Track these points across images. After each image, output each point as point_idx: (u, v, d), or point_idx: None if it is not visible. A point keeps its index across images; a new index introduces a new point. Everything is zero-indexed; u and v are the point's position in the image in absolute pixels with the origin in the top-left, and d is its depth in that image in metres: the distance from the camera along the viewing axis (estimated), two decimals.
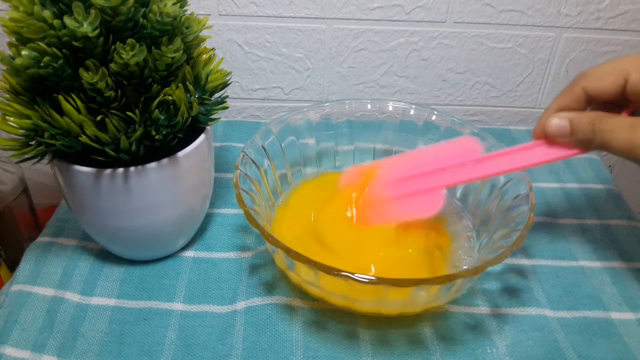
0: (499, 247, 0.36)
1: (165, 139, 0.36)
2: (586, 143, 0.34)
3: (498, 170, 0.38)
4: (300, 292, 0.40)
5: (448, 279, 0.32)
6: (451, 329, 0.38)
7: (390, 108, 0.49)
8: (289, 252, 0.33)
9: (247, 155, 0.42)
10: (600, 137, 0.33)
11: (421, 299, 0.35)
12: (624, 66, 0.34)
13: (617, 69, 0.34)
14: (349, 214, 0.41)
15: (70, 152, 0.34)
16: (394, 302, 0.35)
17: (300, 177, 0.48)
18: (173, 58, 0.34)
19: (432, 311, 0.38)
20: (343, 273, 0.31)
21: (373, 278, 0.31)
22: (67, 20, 0.30)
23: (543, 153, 0.36)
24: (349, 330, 0.37)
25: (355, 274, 0.31)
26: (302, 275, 0.36)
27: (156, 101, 0.34)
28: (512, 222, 0.38)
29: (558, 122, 0.35)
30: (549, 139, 0.36)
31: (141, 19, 0.33)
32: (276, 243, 0.34)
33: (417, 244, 0.40)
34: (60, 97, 0.32)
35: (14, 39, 0.31)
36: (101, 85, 0.32)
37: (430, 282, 0.31)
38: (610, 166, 0.68)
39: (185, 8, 0.35)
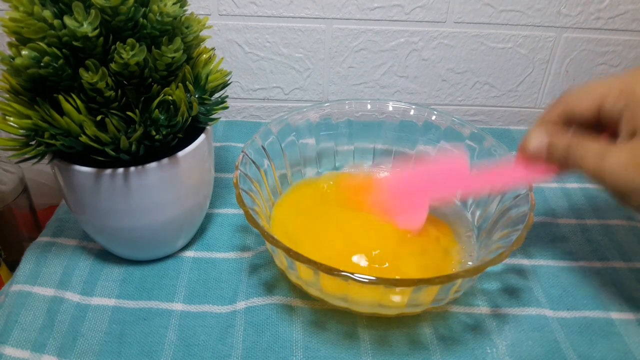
0: (498, 247, 0.36)
1: (165, 139, 0.36)
2: (563, 164, 0.34)
3: (479, 189, 0.40)
4: (301, 292, 0.40)
5: (448, 279, 0.32)
6: (451, 329, 0.38)
7: (390, 108, 0.49)
8: (288, 252, 0.33)
9: (247, 156, 0.42)
10: (572, 162, 0.33)
11: (421, 299, 0.35)
12: (602, 90, 0.33)
13: (595, 92, 0.34)
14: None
15: (70, 152, 0.34)
16: (394, 302, 0.35)
17: (300, 177, 0.48)
18: (173, 58, 0.34)
19: (432, 311, 0.38)
20: (343, 273, 0.31)
21: (373, 278, 0.31)
22: (67, 20, 0.30)
23: (523, 174, 0.37)
24: (349, 330, 0.37)
25: (355, 274, 0.31)
26: (302, 275, 0.36)
27: (156, 101, 0.34)
28: (511, 222, 0.38)
29: (537, 141, 0.35)
30: (528, 157, 0.36)
31: (141, 19, 0.33)
32: (276, 243, 0.34)
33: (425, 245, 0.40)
34: (61, 97, 0.32)
35: (14, 39, 0.31)
36: (101, 85, 0.32)
37: (430, 282, 0.31)
38: None
39: (185, 8, 0.35)
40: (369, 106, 0.49)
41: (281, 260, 0.37)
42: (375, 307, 0.35)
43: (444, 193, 0.41)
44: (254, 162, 0.42)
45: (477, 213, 0.44)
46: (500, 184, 0.39)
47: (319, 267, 0.32)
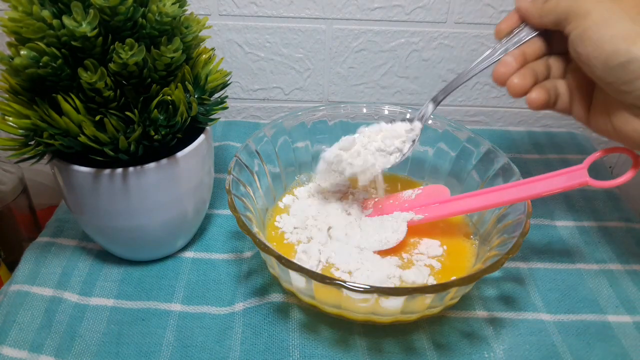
0: (494, 254, 0.35)
1: (164, 139, 0.36)
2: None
3: (460, 210, 0.41)
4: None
5: (442, 287, 0.31)
6: (448, 335, 0.38)
7: (386, 112, 0.48)
8: (280, 259, 0.33)
9: (240, 160, 0.41)
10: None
11: (415, 307, 0.34)
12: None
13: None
14: None
15: (70, 152, 0.34)
16: (388, 310, 0.35)
17: (294, 180, 0.48)
18: (172, 58, 0.34)
19: (428, 318, 0.38)
20: (336, 281, 0.31)
21: (367, 286, 0.30)
22: (66, 20, 0.30)
23: (502, 195, 0.38)
24: (345, 332, 0.37)
25: (347, 282, 0.31)
26: (294, 282, 0.35)
27: (155, 101, 0.34)
28: (508, 228, 0.37)
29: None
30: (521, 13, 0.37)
31: (140, 19, 0.33)
32: (267, 250, 0.33)
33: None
34: (59, 97, 0.32)
35: (13, 39, 0.31)
36: (100, 85, 0.32)
37: (424, 291, 0.31)
38: (610, 167, 0.68)
39: (184, 8, 0.35)
40: (364, 110, 0.48)
41: (273, 266, 0.37)
42: (369, 314, 0.35)
43: (425, 214, 0.42)
44: (247, 167, 0.42)
45: (475, 219, 0.43)
46: (482, 204, 0.40)
47: (311, 275, 0.31)
